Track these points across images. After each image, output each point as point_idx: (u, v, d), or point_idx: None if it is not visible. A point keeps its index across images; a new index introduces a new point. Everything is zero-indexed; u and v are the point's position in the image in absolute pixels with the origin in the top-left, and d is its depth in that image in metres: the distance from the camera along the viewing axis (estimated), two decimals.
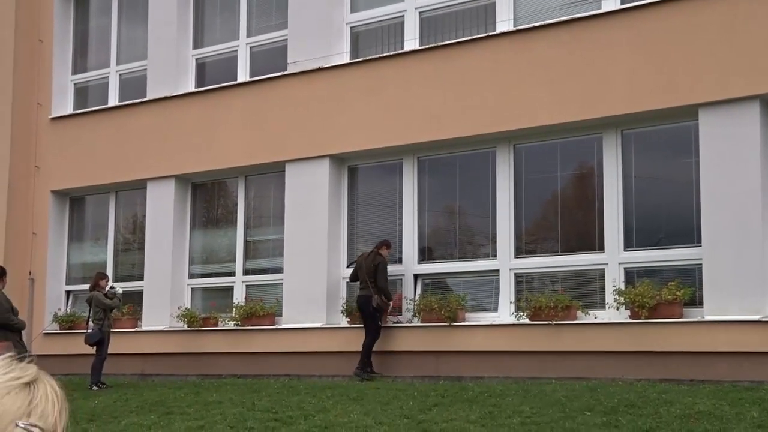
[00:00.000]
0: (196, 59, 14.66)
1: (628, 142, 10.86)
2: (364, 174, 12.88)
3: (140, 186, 14.55)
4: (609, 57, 10.69)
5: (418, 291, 11.83)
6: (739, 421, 7.17)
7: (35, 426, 1.35)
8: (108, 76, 15.59)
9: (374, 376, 11.14)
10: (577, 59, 10.88)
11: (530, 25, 11.36)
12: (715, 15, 10.09)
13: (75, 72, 15.98)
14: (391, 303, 11.52)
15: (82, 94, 15.93)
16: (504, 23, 11.74)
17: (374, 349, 11.35)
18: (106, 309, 12.62)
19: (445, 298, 11.36)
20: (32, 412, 1.37)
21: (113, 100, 15.36)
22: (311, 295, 12.38)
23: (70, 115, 15.59)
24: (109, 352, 12.61)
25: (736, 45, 9.92)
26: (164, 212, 14.10)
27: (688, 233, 10.31)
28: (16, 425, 1.34)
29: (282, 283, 12.88)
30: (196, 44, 14.70)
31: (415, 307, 11.63)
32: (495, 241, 11.58)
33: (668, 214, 10.74)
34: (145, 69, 14.86)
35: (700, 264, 10.01)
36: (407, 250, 12.09)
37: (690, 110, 10.18)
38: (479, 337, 11.10)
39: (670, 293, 9.93)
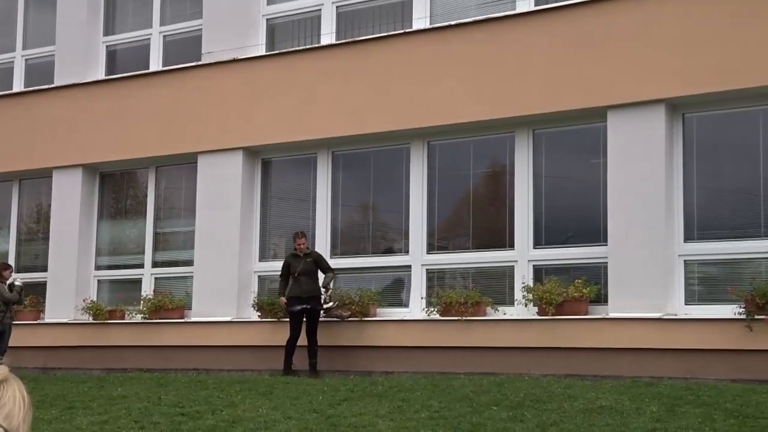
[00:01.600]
0: (107, 46, 14.38)
1: (539, 141, 11.03)
2: (278, 167, 12.80)
3: (46, 174, 14.18)
4: (523, 57, 10.84)
5: (331, 286, 11.76)
6: (639, 416, 7.37)
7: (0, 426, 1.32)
8: (13, 61, 15.14)
9: (290, 372, 11.00)
10: (492, 59, 10.99)
11: (446, 24, 11.45)
12: (626, 20, 10.33)
13: None
14: (280, 299, 11.34)
15: None
16: (420, 21, 11.82)
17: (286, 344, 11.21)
18: (8, 302, 12.25)
19: (358, 293, 11.36)
20: None
21: (18, 86, 14.98)
22: (222, 289, 12.26)
23: None
24: (9, 345, 12.25)
25: (645, 50, 10.16)
26: (71, 202, 13.77)
27: (595, 232, 10.52)
28: None
29: (192, 276, 12.72)
30: (107, 31, 14.42)
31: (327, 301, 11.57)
32: (407, 237, 11.65)
33: (577, 214, 10.94)
34: (53, 54, 14.49)
35: (606, 262, 10.24)
36: (320, 244, 12.05)
37: (599, 112, 10.39)
38: (390, 332, 11.15)
39: (576, 291, 10.14)
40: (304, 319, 11.09)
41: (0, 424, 1.32)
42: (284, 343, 11.12)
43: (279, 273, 11.40)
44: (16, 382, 1.39)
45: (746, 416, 7.20)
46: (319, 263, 11.32)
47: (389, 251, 12.01)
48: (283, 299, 11.21)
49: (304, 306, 11.03)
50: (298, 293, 11.12)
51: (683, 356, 9.56)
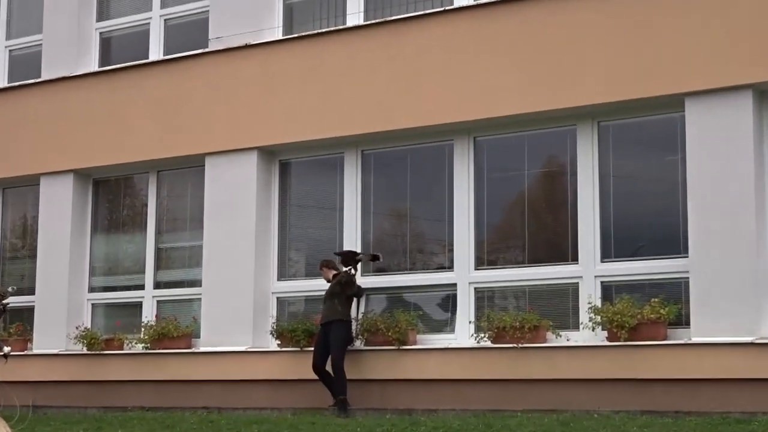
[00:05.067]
0: (101, 33, 14.61)
1: (605, 135, 10.96)
2: (298, 170, 12.82)
3: (32, 182, 14.39)
4: (583, 38, 10.78)
5: (362, 308, 11.72)
6: None
7: None
8: None
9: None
10: (547, 40, 10.95)
11: (493, 0, 11.34)
12: None
13: None
14: None
15: None
16: None
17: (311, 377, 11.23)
18: None
19: (394, 317, 11.28)
20: None
21: (2, 81, 15.38)
22: (235, 313, 12.26)
23: None
24: None
25: (728, 28, 10.06)
26: (60, 213, 13.94)
27: (674, 242, 10.42)
28: None
29: (200, 299, 12.74)
30: (101, 16, 14.67)
31: (358, 327, 11.49)
32: (452, 250, 11.56)
33: (651, 220, 10.84)
34: (40, 45, 14.82)
35: (687, 277, 10.13)
36: None
37: (675, 100, 10.30)
38: (433, 363, 11.06)
39: (652, 311, 10.02)
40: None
41: None
42: (308, 376, 11.19)
43: (300, 294, 11.79)
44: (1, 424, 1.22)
45: None
46: (344, 286, 11.21)
47: (430, 267, 11.92)
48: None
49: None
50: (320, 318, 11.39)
51: None
